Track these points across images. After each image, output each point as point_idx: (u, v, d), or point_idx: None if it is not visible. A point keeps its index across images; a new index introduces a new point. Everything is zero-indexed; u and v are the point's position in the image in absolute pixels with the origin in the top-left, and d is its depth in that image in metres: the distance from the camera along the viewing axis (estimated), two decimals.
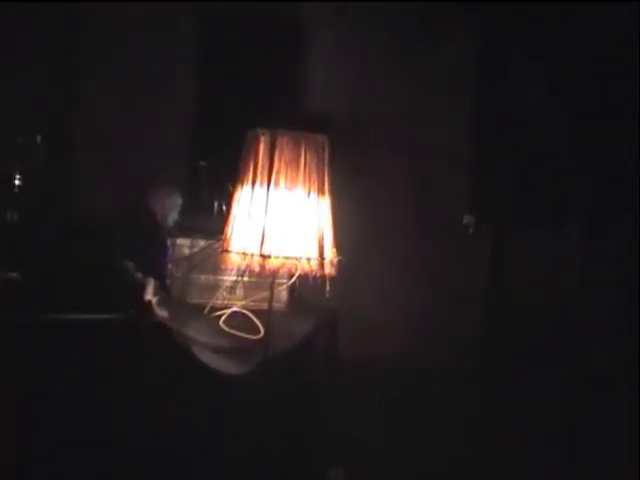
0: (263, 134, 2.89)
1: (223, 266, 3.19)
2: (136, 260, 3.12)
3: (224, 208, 3.74)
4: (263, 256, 2.86)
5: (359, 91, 4.38)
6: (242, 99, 4.34)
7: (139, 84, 4.57)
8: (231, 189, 3.10)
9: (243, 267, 2.96)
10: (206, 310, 3.25)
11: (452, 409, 3.99)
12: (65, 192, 4.63)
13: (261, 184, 2.90)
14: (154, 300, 2.85)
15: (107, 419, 2.69)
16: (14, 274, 3.00)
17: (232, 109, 4.38)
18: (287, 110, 3.99)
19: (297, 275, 2.99)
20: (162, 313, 2.87)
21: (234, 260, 2.96)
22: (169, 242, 3.31)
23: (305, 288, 3.15)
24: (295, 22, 4.46)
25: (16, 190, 4.31)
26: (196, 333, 3.00)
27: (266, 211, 2.88)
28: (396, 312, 3.84)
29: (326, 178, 2.98)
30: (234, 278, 3.27)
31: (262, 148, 2.91)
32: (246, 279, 3.25)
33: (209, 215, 3.84)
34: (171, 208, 3.58)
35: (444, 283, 3.94)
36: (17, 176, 4.40)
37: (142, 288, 2.86)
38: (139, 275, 2.92)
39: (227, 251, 2.96)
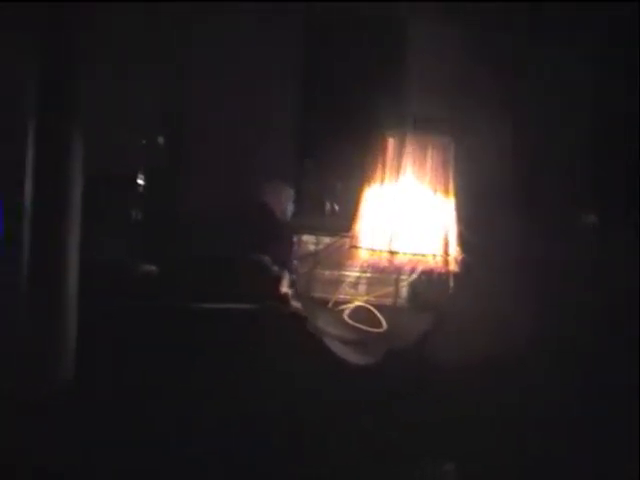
0: (392, 136, 3.03)
1: (348, 262, 3.35)
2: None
3: (336, 207, 3.87)
4: (391, 252, 2.99)
5: (463, 94, 4.46)
6: (348, 99, 4.45)
7: (249, 82, 4.75)
8: (340, 187, 3.24)
9: (371, 263, 3.10)
10: (330, 304, 3.39)
11: (555, 409, 4.03)
12: (185, 190, 4.84)
13: (389, 183, 3.03)
14: (290, 292, 3.01)
15: (244, 402, 2.84)
16: (152, 267, 3.19)
17: (338, 109, 4.50)
18: (397, 111, 4.10)
19: (419, 271, 3.12)
20: (297, 304, 3.03)
21: (362, 256, 3.11)
22: (294, 238, 3.45)
23: (426, 285, 3.27)
24: (399, 23, 4.56)
25: (140, 189, 4.54)
26: (324, 325, 3.14)
27: (394, 209, 3.01)
28: (509, 312, 3.90)
29: (451, 178, 3.10)
30: (357, 274, 3.39)
31: (390, 149, 3.04)
32: (369, 275, 3.38)
33: (320, 213, 3.98)
34: (288, 203, 3.72)
35: (558, 284, 3.99)
36: (141, 176, 4.63)
37: (278, 280, 3.02)
38: (275, 268, 3.08)
39: (356, 247, 3.11)
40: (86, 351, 2.85)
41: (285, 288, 3.04)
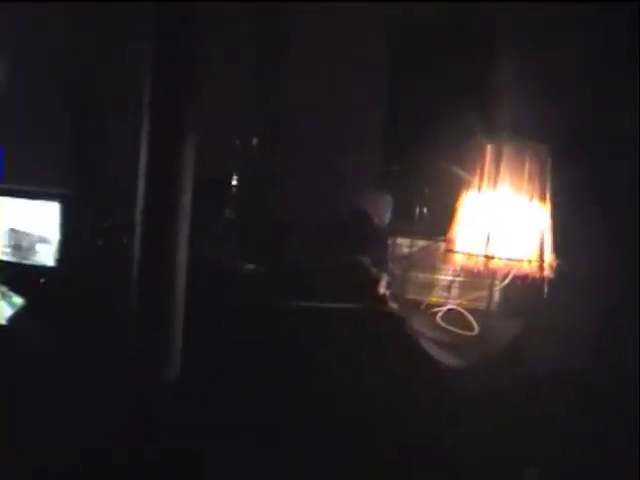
0: (489, 143, 3.10)
1: (443, 265, 3.42)
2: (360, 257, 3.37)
3: (425, 211, 3.95)
4: (487, 257, 3.06)
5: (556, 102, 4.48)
6: (433, 106, 4.51)
7: (345, 90, 4.85)
8: (429, 193, 3.32)
9: (465, 267, 3.17)
10: (423, 306, 3.46)
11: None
12: (276, 192, 4.96)
13: (487, 190, 3.10)
14: (387, 293, 3.10)
15: (342, 398, 2.94)
16: (256, 267, 3.31)
17: (424, 116, 4.55)
18: (494, 120, 4.15)
19: (512, 276, 3.18)
20: (394, 305, 3.12)
21: (458, 260, 3.18)
22: (389, 241, 3.54)
23: (519, 290, 3.32)
24: (487, 32, 4.60)
25: (234, 190, 4.68)
26: (418, 326, 3.22)
27: (491, 215, 3.08)
28: (601, 321, 3.91)
29: (547, 186, 3.15)
30: (451, 277, 3.47)
31: (488, 156, 3.11)
32: (462, 278, 3.45)
33: (411, 218, 4.06)
34: (385, 209, 3.80)
35: None
36: (234, 177, 4.77)
37: (377, 282, 3.11)
38: (374, 270, 3.18)
39: (452, 251, 3.19)
40: (191, 349, 2.97)
41: (383, 289, 3.13)
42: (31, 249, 3.25)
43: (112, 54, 4.75)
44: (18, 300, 2.75)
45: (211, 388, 2.94)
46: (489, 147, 3.10)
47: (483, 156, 3.12)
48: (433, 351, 3.11)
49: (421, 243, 3.56)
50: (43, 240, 3.24)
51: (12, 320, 2.54)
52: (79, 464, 2.65)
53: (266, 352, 2.92)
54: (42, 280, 3.20)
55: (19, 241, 3.26)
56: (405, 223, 3.94)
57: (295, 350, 2.92)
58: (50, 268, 3.24)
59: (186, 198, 2.96)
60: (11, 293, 2.76)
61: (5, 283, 2.84)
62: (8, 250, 3.27)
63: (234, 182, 4.67)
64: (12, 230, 3.25)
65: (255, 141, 4.82)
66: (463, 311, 3.46)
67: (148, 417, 2.86)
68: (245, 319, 3.01)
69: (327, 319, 2.95)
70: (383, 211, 3.74)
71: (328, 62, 4.76)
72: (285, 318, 2.94)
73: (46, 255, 3.25)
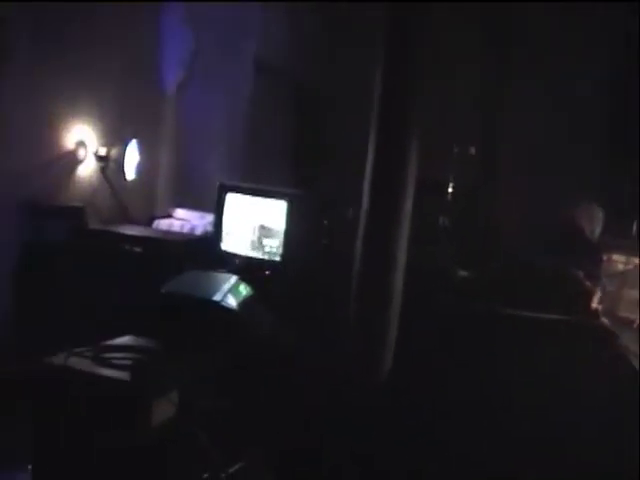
0: None
1: None
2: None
3: None
4: None
5: None
6: None
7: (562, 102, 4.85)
8: None
9: None
10: (636, 324, 3.43)
11: None
12: (491, 201, 5.04)
13: None
14: (600, 308, 3.12)
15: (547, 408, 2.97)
16: (466, 273, 3.41)
17: None
18: None
19: None
20: (605, 320, 3.13)
21: None
22: (605, 257, 3.53)
23: None
24: None
25: (449, 197, 4.79)
26: (628, 343, 3.20)
27: None
28: None
29: None
30: None
31: None
32: None
33: (628, 234, 4.02)
34: (598, 224, 3.79)
35: None
36: (451, 184, 4.88)
37: (590, 296, 3.13)
38: (588, 284, 3.20)
39: None
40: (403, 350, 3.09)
41: (595, 304, 3.15)
42: (260, 243, 3.49)
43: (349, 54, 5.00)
44: (246, 289, 2.96)
45: (421, 388, 3.05)
46: None
47: None
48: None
49: (637, 261, 3.53)
50: (271, 235, 3.47)
51: (241, 306, 2.74)
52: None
53: (476, 357, 3.00)
54: (267, 272, 3.43)
55: (255, 235, 3.51)
56: (622, 239, 3.92)
57: (506, 355, 2.99)
58: (275, 262, 3.47)
59: (408, 201, 3.09)
60: (240, 282, 2.97)
61: (236, 273, 3.06)
62: (247, 243, 3.53)
63: (450, 188, 4.78)
64: (262, 227, 3.48)
65: (473, 149, 4.91)
66: None
67: (362, 415, 2.99)
68: (457, 324, 3.11)
69: (538, 327, 3.00)
70: (595, 225, 3.74)
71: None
72: (495, 324, 3.01)
73: (273, 249, 3.48)
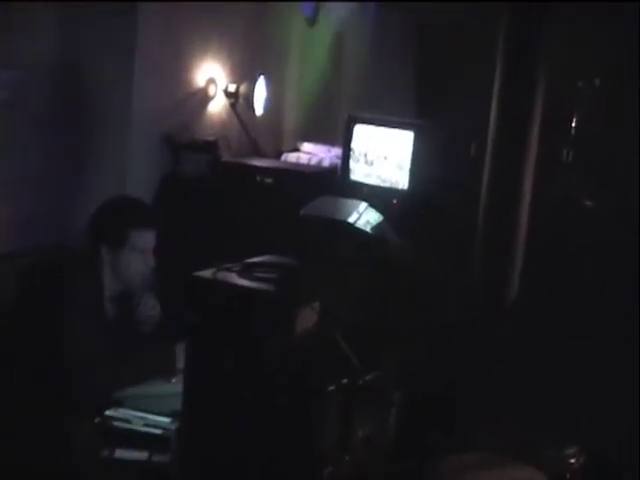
0: None
1: None
2: None
3: None
4: None
5: None
6: None
7: None
8: None
9: None
10: None
11: None
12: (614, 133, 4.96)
13: None
14: None
15: None
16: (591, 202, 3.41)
17: None
18: None
19: None
20: None
21: None
22: None
23: None
24: None
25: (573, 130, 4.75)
26: None
27: None
28: None
29: None
30: None
31: None
32: None
33: None
34: None
35: None
36: (575, 117, 4.84)
37: None
38: None
39: None
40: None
41: None
42: (386, 173, 3.60)
43: None
44: (376, 214, 3.06)
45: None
46: None
47: None
48: None
49: None
50: (398, 166, 3.56)
51: (374, 228, 2.84)
52: None
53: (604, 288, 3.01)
54: (394, 201, 3.53)
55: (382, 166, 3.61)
56: None
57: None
58: (401, 191, 3.57)
59: (533, 133, 3.14)
60: (370, 208, 3.07)
61: (365, 200, 3.16)
62: (374, 174, 3.63)
63: (574, 122, 4.74)
64: (388, 157, 3.57)
65: (597, 82, 4.85)
66: None
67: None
68: (582, 252, 3.14)
69: None
70: None
71: None
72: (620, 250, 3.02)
73: (399, 180, 3.58)
